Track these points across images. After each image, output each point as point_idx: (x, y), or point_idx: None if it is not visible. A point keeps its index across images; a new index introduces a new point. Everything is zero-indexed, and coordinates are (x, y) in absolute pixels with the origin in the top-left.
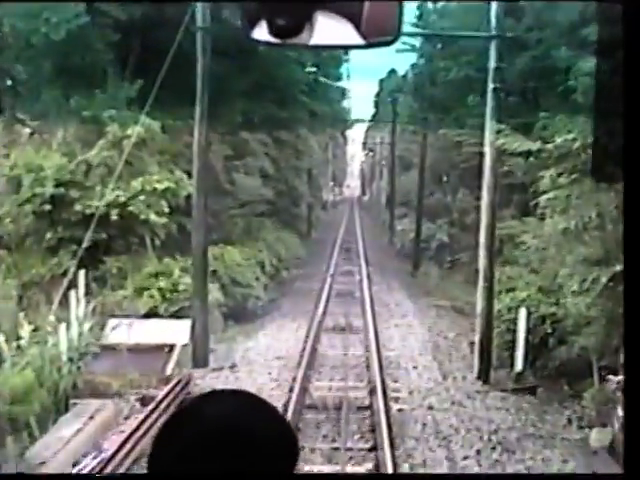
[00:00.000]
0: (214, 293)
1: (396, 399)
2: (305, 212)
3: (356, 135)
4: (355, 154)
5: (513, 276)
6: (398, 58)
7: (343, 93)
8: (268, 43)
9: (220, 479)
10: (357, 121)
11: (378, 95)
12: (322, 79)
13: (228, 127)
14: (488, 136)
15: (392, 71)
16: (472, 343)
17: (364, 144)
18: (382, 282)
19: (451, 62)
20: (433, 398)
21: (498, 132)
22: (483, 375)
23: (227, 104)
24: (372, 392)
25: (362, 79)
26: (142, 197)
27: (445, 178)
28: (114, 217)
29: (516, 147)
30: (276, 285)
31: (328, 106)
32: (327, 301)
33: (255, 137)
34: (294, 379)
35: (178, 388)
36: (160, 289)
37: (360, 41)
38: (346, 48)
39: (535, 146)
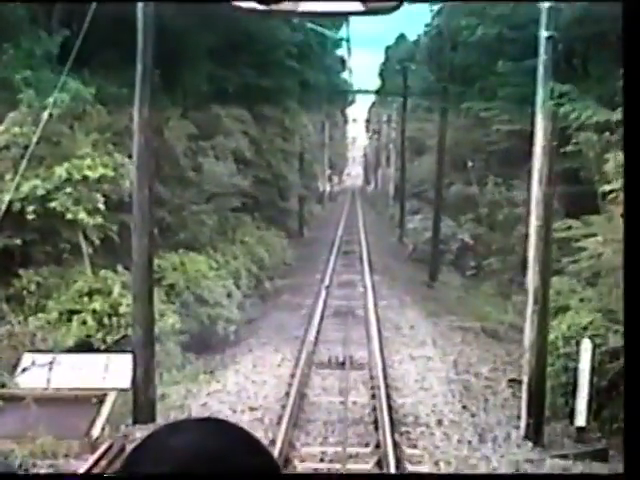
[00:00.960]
0: (169, 316)
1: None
2: (295, 206)
3: (358, 113)
4: (357, 136)
5: (562, 289)
6: (407, 21)
7: (342, 62)
8: (252, 11)
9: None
10: (360, 91)
11: (384, 65)
12: (317, 40)
13: (193, 99)
14: (541, 102)
15: (401, 37)
16: (513, 380)
17: (367, 124)
18: (391, 295)
19: (475, 19)
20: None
21: (561, 96)
22: (533, 433)
23: (188, 67)
24: (380, 463)
25: (363, 48)
26: (68, 189)
27: (470, 164)
28: (31, 216)
29: (589, 117)
30: (256, 300)
31: (324, 75)
32: (321, 322)
33: (230, 112)
34: (272, 442)
35: (107, 459)
36: (95, 312)
37: (359, 7)
38: (342, 15)
39: (616, 115)
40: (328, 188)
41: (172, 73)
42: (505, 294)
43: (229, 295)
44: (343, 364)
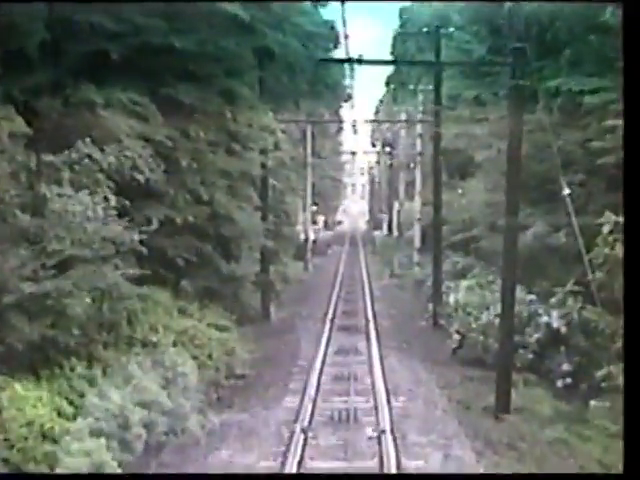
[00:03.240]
0: None
1: None
2: (253, 269)
3: (359, 115)
4: (358, 151)
5: None
6: None
7: (332, 28)
8: None
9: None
10: (363, 61)
11: (396, 40)
12: None
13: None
14: None
15: None
16: None
17: (374, 131)
18: (431, 445)
19: None
20: None
21: None
22: None
23: None
24: None
25: (365, 16)
26: None
27: (566, 191)
28: None
29: None
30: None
31: (303, 43)
32: None
33: (110, 95)
34: None
35: None
36: None
37: None
38: None
39: None
40: (312, 235)
41: None
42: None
43: None
44: None
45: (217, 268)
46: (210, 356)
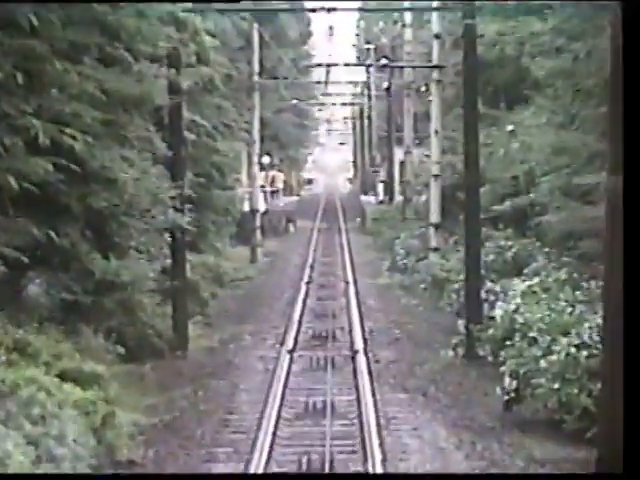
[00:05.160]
0: None
1: None
2: (152, 266)
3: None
4: (336, 67)
5: None
6: None
7: None
8: None
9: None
10: None
11: None
12: None
13: None
14: None
15: None
16: None
17: (359, 27)
18: None
19: None
20: None
21: None
22: None
23: None
24: None
25: None
26: None
27: None
28: None
29: None
30: None
31: None
32: None
33: None
34: None
35: None
36: None
37: None
38: None
39: None
40: (264, 204)
41: None
42: None
43: None
44: None
45: (85, 268)
46: (61, 440)
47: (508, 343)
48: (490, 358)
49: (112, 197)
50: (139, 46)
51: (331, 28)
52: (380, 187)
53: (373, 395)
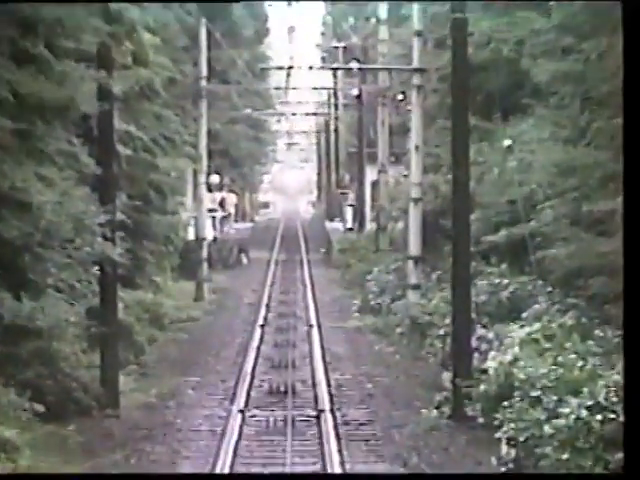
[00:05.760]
0: None
1: None
2: (74, 309)
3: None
4: (297, 69)
5: None
6: None
7: None
8: None
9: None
10: None
11: None
12: None
13: None
14: None
15: None
16: None
17: (325, 22)
18: None
19: None
20: None
21: None
22: None
23: None
24: None
25: None
26: None
27: None
28: None
29: None
30: None
31: None
32: None
33: None
34: None
35: None
36: None
37: None
38: None
39: None
40: (212, 231)
41: None
42: None
43: None
44: None
45: None
46: None
47: (505, 403)
48: (482, 420)
49: (25, 225)
50: (60, 41)
51: (292, 27)
52: (349, 212)
53: (342, 465)
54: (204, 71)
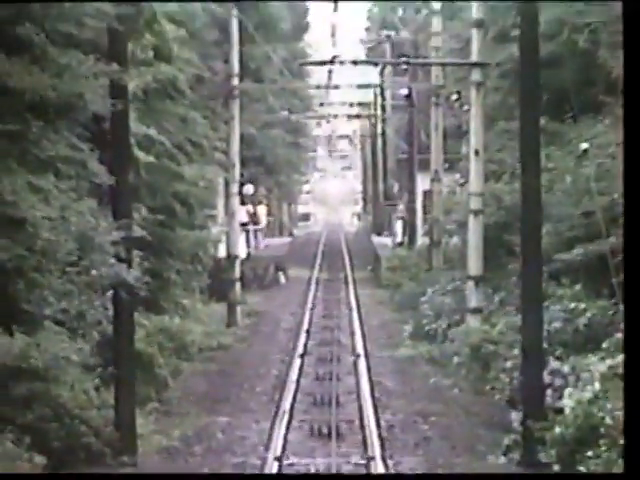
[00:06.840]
0: None
1: None
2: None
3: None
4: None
5: None
6: None
7: None
8: None
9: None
10: None
11: None
12: None
13: None
14: None
15: None
16: None
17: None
18: None
19: None
20: None
21: None
22: None
23: None
24: None
25: None
26: None
27: None
28: None
29: None
30: None
31: None
32: None
33: None
34: None
35: None
36: None
37: None
38: None
39: None
40: (245, 248)
41: None
42: None
43: None
44: None
45: None
46: None
47: (590, 453)
48: (558, 467)
49: (17, 245)
50: (58, 25)
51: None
52: (398, 225)
53: None
54: (236, 68)
